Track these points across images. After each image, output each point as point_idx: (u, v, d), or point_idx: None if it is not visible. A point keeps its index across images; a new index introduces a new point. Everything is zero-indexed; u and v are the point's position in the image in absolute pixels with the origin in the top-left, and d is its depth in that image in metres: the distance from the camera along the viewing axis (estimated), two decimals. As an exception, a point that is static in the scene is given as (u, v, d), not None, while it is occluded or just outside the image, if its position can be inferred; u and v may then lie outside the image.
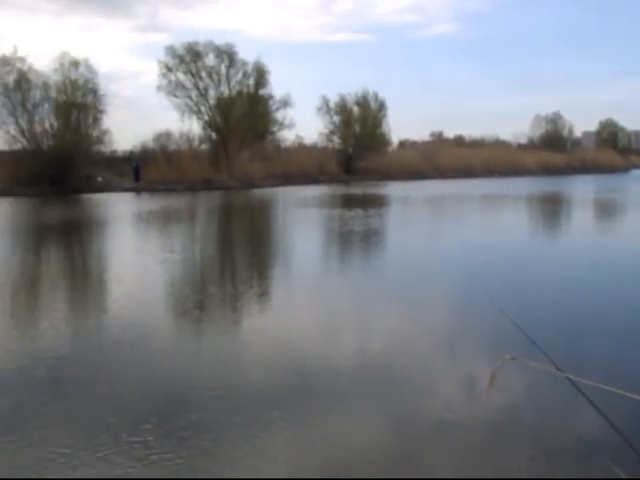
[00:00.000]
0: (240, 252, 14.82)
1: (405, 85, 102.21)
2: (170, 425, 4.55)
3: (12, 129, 37.96)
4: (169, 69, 44.62)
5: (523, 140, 73.27)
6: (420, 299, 8.81)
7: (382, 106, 60.16)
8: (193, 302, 9.00)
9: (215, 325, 7.75)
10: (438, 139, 72.22)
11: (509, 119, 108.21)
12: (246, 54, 67.62)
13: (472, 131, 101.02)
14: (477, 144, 69.03)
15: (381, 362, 5.99)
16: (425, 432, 4.53)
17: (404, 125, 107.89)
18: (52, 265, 13.17)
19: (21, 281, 11.16)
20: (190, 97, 45.32)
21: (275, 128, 50.61)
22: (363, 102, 59.33)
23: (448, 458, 4.12)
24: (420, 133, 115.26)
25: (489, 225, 19.67)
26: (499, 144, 69.94)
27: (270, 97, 48.74)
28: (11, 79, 38.13)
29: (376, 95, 59.71)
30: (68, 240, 16.98)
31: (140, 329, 7.36)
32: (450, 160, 57.97)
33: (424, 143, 68.53)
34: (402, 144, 69.57)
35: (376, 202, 29.21)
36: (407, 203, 29.25)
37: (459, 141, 72.17)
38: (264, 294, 9.53)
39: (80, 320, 8.06)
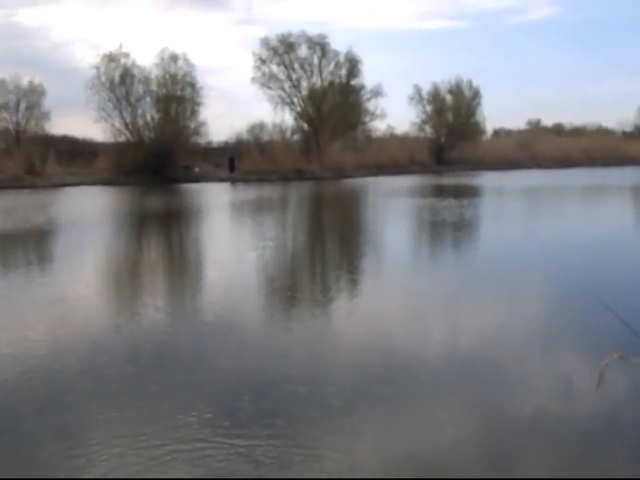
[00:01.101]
0: (331, 240, 14.93)
1: (501, 72, 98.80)
2: (257, 407, 4.67)
3: (117, 122, 40.02)
4: (263, 61, 45.49)
5: (629, 128, 69.21)
6: (519, 292, 8.53)
7: (476, 94, 58.67)
8: (286, 287, 9.19)
9: (307, 310, 7.86)
10: (535, 127, 69.48)
11: (613, 106, 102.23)
12: (338, 44, 67.85)
13: (572, 119, 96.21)
14: (577, 132, 65.87)
15: (477, 357, 5.85)
16: (524, 433, 4.39)
17: (499, 113, 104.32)
18: (153, 250, 13.79)
19: (125, 265, 11.78)
20: (283, 88, 46.03)
21: (367, 118, 50.51)
22: (457, 90, 58.07)
23: (552, 461, 3.99)
24: (516, 122, 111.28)
25: (591, 217, 18.76)
26: (601, 132, 66.39)
27: (362, 87, 48.68)
28: (116, 74, 40.14)
29: (470, 83, 58.30)
30: (168, 227, 17.72)
31: (235, 312, 7.58)
32: (548, 149, 55.72)
33: (520, 132, 66.15)
34: (497, 133, 67.56)
35: (469, 192, 28.55)
36: (502, 193, 28.38)
37: (558, 129, 69.11)
38: (355, 282, 9.56)
39: (179, 303, 8.40)
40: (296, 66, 46.06)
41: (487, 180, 38.07)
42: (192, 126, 41.60)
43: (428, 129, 57.28)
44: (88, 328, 6.84)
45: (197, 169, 40.57)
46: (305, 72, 46.32)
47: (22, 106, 42.00)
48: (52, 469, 3.80)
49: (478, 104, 58.57)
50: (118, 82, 40.09)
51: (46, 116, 42.70)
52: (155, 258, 12.66)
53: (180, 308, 8.05)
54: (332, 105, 46.11)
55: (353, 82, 48.04)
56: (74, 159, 39.09)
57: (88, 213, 20.72)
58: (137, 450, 4.00)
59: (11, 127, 41.74)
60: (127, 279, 10.45)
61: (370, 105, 49.33)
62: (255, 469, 3.68)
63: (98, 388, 5.04)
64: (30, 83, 42.08)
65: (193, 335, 6.60)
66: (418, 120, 56.96)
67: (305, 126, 47.15)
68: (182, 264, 11.88)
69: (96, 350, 6.02)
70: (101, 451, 3.99)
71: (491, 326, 6.92)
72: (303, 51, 46.01)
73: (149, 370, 5.49)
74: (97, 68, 39.45)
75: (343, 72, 47.35)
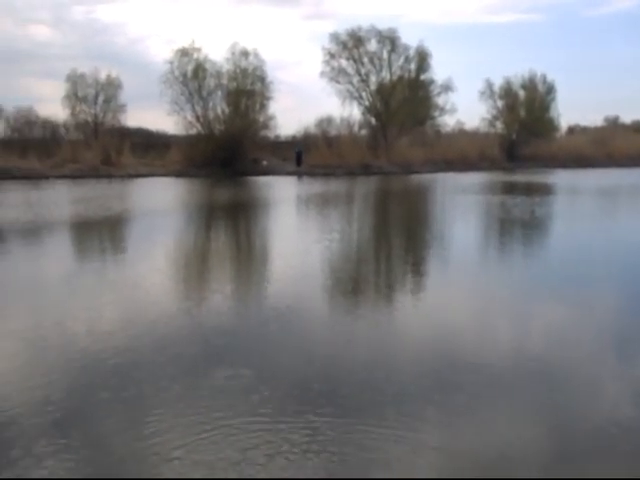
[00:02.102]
0: (398, 235, 14.80)
1: (577, 67, 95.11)
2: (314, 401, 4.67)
3: (189, 115, 40.99)
4: (332, 55, 45.56)
5: None
6: (594, 295, 8.21)
7: (550, 89, 56.94)
8: (351, 278, 9.19)
9: (371, 301, 7.82)
10: (613, 124, 66.71)
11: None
12: (408, 38, 67.12)
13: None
14: (659, 130, 62.83)
15: (549, 358, 5.67)
16: (596, 440, 4.22)
17: (574, 110, 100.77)
18: (222, 240, 14.04)
19: (195, 253, 12.05)
20: (351, 83, 45.96)
21: (436, 113, 49.90)
22: (530, 85, 56.51)
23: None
24: (592, 118, 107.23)
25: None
26: (685, 130, 63.08)
27: (431, 82, 48.10)
28: (189, 69, 41.09)
29: (544, 77, 56.62)
30: (236, 218, 18.01)
31: (301, 300, 7.61)
32: (626, 147, 53.38)
33: (597, 129, 63.65)
34: (571, 130, 65.34)
35: (542, 190, 27.71)
36: (577, 192, 27.39)
37: (637, 126, 66.13)
38: (422, 277, 9.44)
39: (247, 290, 8.53)
40: (365, 60, 45.93)
41: (561, 178, 36.86)
42: (261, 120, 42.16)
43: (499, 125, 56.06)
44: (160, 310, 7.03)
45: (265, 162, 41.09)
46: (374, 66, 46.12)
47: (100, 99, 43.61)
48: (131, 430, 3.91)
49: (552, 99, 56.87)
50: (190, 76, 41.04)
51: (122, 109, 44.21)
52: (224, 247, 12.89)
53: (248, 295, 8.17)
54: (401, 100, 45.74)
55: (423, 77, 47.56)
56: (148, 151, 40.35)
57: (160, 203, 21.32)
58: (205, 422, 4.06)
59: (90, 119, 43.38)
60: (197, 266, 10.69)
61: (440, 100, 48.77)
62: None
63: (170, 365, 5.16)
64: (108, 77, 43.66)
65: (260, 320, 6.67)
66: (489, 115, 55.87)
67: (373, 121, 46.97)
68: (249, 254, 12.06)
69: (167, 331, 6.17)
70: (178, 420, 4.08)
71: (563, 330, 6.67)
72: (372, 45, 45.86)
73: (218, 351, 5.57)
74: (171, 63, 40.56)
75: (412, 66, 46.94)
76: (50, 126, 41.34)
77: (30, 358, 5.46)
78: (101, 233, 14.80)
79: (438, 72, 56.69)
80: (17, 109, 40.37)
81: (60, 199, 22.91)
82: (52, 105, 68.30)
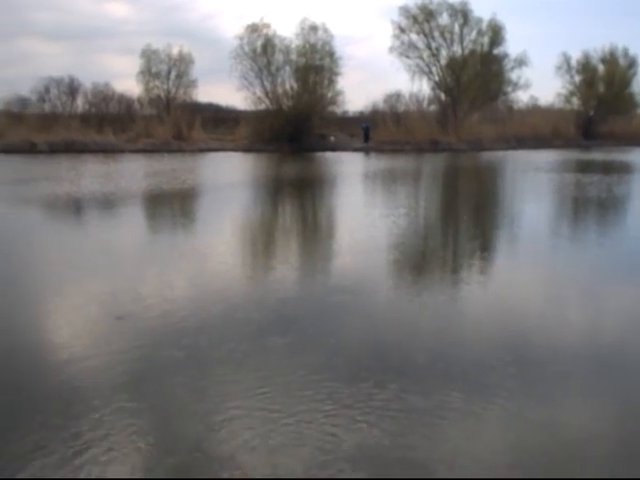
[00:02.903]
0: (466, 213, 14.56)
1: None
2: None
3: (258, 90, 41.30)
4: (402, 30, 44.73)
5: None
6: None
7: (633, 63, 54.12)
8: (416, 254, 9.15)
9: (436, 279, 7.77)
10: (700, 101, 62.88)
11: None
12: (481, 11, 65.09)
13: None
14: None
15: (623, 347, 5.50)
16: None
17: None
18: (288, 214, 14.21)
19: (262, 226, 12.25)
20: (421, 57, 45.06)
21: (509, 89, 48.29)
22: (610, 59, 53.89)
23: None
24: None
25: None
26: None
27: (505, 56, 46.54)
28: (258, 44, 41.28)
29: (626, 51, 53.85)
30: (303, 193, 18.14)
31: (365, 275, 7.64)
32: None
33: (682, 105, 60.17)
34: (655, 106, 61.96)
35: (620, 169, 26.56)
36: (657, 171, 26.12)
37: None
38: (489, 255, 9.28)
39: (311, 263, 8.63)
40: (436, 34, 44.88)
41: (640, 157, 35.20)
42: (329, 95, 41.97)
43: (575, 101, 53.85)
44: (229, 279, 7.22)
45: (332, 138, 41.04)
46: (445, 41, 45.03)
47: (172, 75, 44.41)
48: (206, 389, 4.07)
49: (634, 74, 54.08)
50: (260, 52, 41.22)
51: (193, 84, 44.89)
52: (291, 221, 13.06)
53: (314, 267, 8.27)
54: (472, 75, 44.56)
55: (496, 51, 46.05)
56: (217, 126, 41.03)
57: (230, 177, 21.70)
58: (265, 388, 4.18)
59: (162, 95, 44.34)
60: (264, 238, 10.89)
61: (513, 75, 47.10)
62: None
63: (237, 330, 5.30)
64: (180, 53, 44.37)
65: (326, 292, 6.74)
66: (564, 91, 53.70)
67: (442, 96, 46.02)
68: (316, 227, 12.16)
69: (235, 299, 6.33)
70: (245, 384, 4.22)
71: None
72: (444, 19, 44.71)
73: (280, 322, 5.67)
74: (240, 38, 40.83)
75: (485, 40, 45.52)
76: (125, 101, 42.55)
77: (106, 321, 5.72)
78: (174, 205, 15.23)
79: (512, 46, 55.03)
80: (95, 85, 41.74)
81: (135, 172, 23.67)
82: (128, 81, 70.18)
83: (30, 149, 32.19)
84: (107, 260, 8.40)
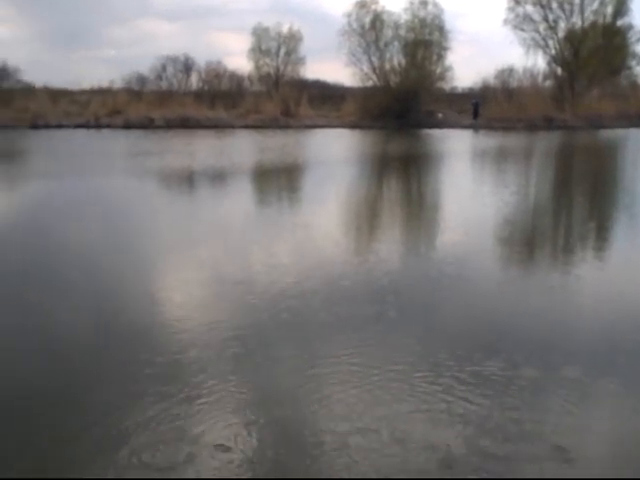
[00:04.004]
0: (581, 194, 13.84)
1: None
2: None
3: (365, 67, 41.13)
4: (517, 2, 42.76)
5: None
6: None
7: None
8: (527, 237, 8.85)
9: (547, 259, 7.50)
10: None
11: None
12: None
13: None
14: None
15: None
16: None
17: None
18: (393, 191, 14.14)
19: (365, 201, 12.28)
20: (537, 30, 42.92)
21: (633, 62, 45.11)
22: None
23: None
24: None
25: None
26: None
27: (629, 27, 43.40)
28: (367, 20, 41.00)
29: None
30: (408, 170, 17.98)
31: (472, 256, 7.49)
32: None
33: None
34: None
35: None
36: None
37: None
38: (604, 239, 8.82)
39: (416, 241, 8.58)
40: (554, 6, 42.54)
41: None
42: (438, 71, 41.15)
43: None
44: (329, 254, 7.31)
45: (440, 115, 40.19)
46: (564, 12, 42.61)
47: (282, 52, 45.10)
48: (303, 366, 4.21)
49: None
50: (368, 28, 40.96)
51: (302, 61, 45.38)
52: (396, 197, 13.00)
53: (417, 243, 8.23)
54: (592, 48, 41.95)
55: (619, 22, 43.05)
56: (324, 102, 41.30)
57: (336, 153, 21.85)
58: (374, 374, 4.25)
59: (272, 72, 45.16)
60: (368, 213, 10.93)
61: (638, 48, 43.93)
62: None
63: (339, 303, 5.40)
64: (289, 30, 44.91)
65: (428, 274, 6.68)
66: (697, 64, 49.32)
67: (559, 71, 43.71)
68: (421, 204, 12.05)
69: (335, 275, 6.42)
70: (350, 363, 4.31)
71: None
72: (563, -12, 42.24)
73: (384, 299, 5.69)
74: (349, 15, 40.72)
75: (608, 11, 42.62)
76: (236, 78, 43.75)
77: (211, 293, 5.99)
78: (283, 179, 15.59)
79: (638, 16, 50.98)
80: (208, 63, 43.18)
81: (246, 147, 24.38)
82: (239, 58, 72.07)
83: (148, 124, 33.91)
84: (219, 229, 8.77)
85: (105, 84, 40.27)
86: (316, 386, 3.86)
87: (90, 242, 7.89)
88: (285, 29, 44.91)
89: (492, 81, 44.03)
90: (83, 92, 39.70)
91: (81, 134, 29.68)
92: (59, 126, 32.63)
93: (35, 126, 32.36)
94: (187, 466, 3.04)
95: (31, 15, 65.07)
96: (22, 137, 27.86)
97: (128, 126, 33.16)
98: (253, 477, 3.00)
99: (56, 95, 37.20)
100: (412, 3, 40.25)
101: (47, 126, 32.49)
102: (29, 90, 37.45)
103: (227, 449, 3.18)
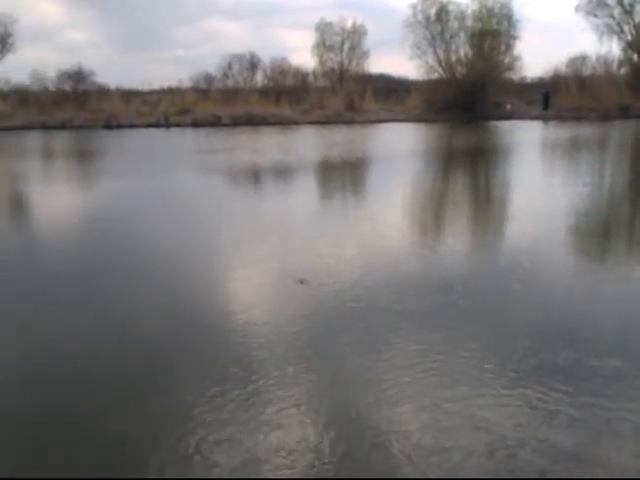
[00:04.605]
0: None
1: None
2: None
3: (430, 59, 40.57)
4: (593, -15, 41.12)
5: None
6: None
7: None
8: (601, 228, 8.54)
9: (622, 254, 7.21)
10: None
11: None
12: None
13: None
14: None
15: None
16: None
17: None
18: (459, 184, 13.90)
19: (431, 196, 12.13)
20: (612, 16, 41.10)
21: None
22: None
23: None
24: None
25: None
26: None
27: None
28: (432, 12, 40.40)
29: None
30: (475, 163, 17.64)
31: (540, 250, 7.29)
32: None
33: None
34: None
35: None
36: None
37: None
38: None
39: (483, 236, 8.42)
40: (630, -11, 40.68)
41: None
42: (506, 61, 40.16)
43: None
44: (394, 250, 7.27)
45: (509, 106, 39.19)
46: (641, -5, 40.66)
47: (346, 47, 45.03)
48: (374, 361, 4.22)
49: None
50: (433, 19, 40.36)
51: (365, 55, 45.18)
52: (463, 189, 12.79)
53: (486, 236, 8.08)
54: (672, 32, 39.93)
55: (703, 2, 40.71)
56: (389, 96, 41.00)
57: (401, 147, 21.68)
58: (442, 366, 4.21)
59: (336, 67, 45.18)
60: (435, 206, 10.81)
61: None
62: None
63: (406, 300, 5.38)
64: (353, 24, 44.78)
65: (500, 264, 6.56)
66: None
67: (635, 57, 41.80)
68: (489, 196, 11.81)
69: (399, 271, 6.39)
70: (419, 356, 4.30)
71: None
72: (639, -30, 40.32)
73: (452, 289, 5.62)
74: (414, 7, 40.24)
75: (690, -9, 40.40)
76: (300, 74, 44.02)
77: (286, 281, 6.06)
78: (350, 173, 15.62)
79: None
80: (272, 60, 43.65)
81: (311, 142, 24.54)
82: (303, 54, 72.57)
83: (215, 122, 34.61)
84: (288, 222, 8.89)
85: (174, 84, 41.47)
86: (387, 370, 3.88)
87: (162, 239, 8.15)
88: (349, 24, 44.87)
89: (563, 70, 42.62)
90: (153, 92, 40.95)
91: (151, 133, 30.62)
92: (131, 126, 33.77)
93: (108, 126, 33.61)
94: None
95: (104, 20, 67.54)
96: (96, 137, 28.98)
97: (196, 124, 33.97)
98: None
99: (128, 96, 38.53)
100: (480, -7, 39.41)
101: (119, 126, 33.69)
102: (103, 92, 38.93)
103: (305, 428, 3.24)
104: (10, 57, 41.19)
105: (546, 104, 38.15)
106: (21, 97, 36.60)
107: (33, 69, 41.16)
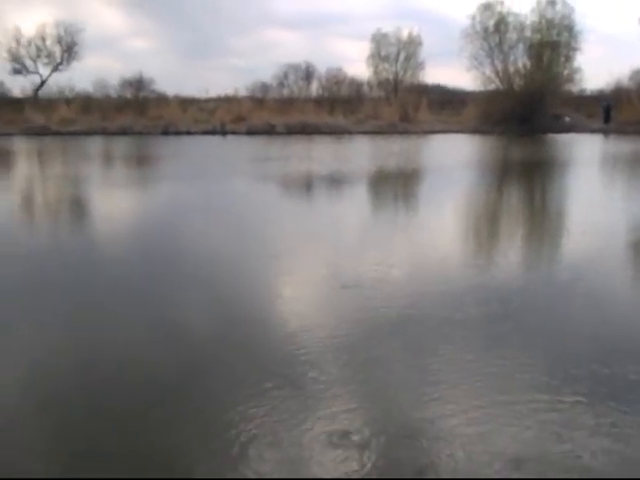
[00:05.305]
0: None
1: None
2: None
3: (487, 70, 40.09)
4: (658, -3, 39.95)
5: None
6: None
7: None
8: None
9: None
10: None
11: None
12: None
13: None
14: None
15: None
16: None
17: None
18: (514, 199, 13.60)
19: (484, 210, 11.93)
20: (680, 27, 39.85)
21: None
22: None
23: None
24: None
25: None
26: None
27: None
28: (491, 23, 39.95)
29: None
30: (531, 178, 17.27)
31: (599, 265, 7.04)
32: None
33: None
34: None
35: None
36: None
37: None
38: None
39: (540, 254, 8.22)
40: (700, -1, 39.32)
41: None
42: (565, 73, 39.31)
43: None
44: (449, 260, 7.15)
45: (567, 119, 38.33)
46: None
47: (401, 57, 44.96)
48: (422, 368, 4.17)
49: None
50: (492, 30, 39.89)
51: (421, 66, 45.00)
52: (517, 205, 12.52)
53: (542, 255, 7.87)
54: None
55: None
56: (443, 107, 40.69)
57: (457, 159, 21.44)
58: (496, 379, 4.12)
59: (391, 77, 45.14)
60: (487, 219, 10.61)
61: None
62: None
63: (458, 321, 5.29)
64: (409, 35, 44.69)
65: (557, 284, 6.35)
66: None
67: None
68: (545, 213, 11.50)
69: (459, 283, 6.28)
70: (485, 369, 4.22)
71: None
72: None
73: (506, 315, 5.48)
74: (472, 17, 39.87)
75: None
76: (355, 84, 44.15)
77: (331, 292, 6.06)
78: (403, 184, 15.54)
79: None
80: (328, 70, 43.93)
81: (365, 153, 24.53)
82: (358, 65, 72.79)
83: (270, 131, 35.02)
84: (342, 230, 8.90)
85: (230, 92, 42.16)
86: (439, 376, 3.83)
87: (216, 244, 8.27)
88: (405, 34, 44.78)
89: (626, 82, 41.44)
90: (210, 100, 41.75)
91: (207, 140, 31.21)
92: (188, 133, 34.51)
93: (166, 133, 34.44)
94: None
95: (164, 29, 69.36)
96: (154, 143, 29.73)
97: (251, 132, 34.44)
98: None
99: (185, 103, 39.43)
100: (539, 3, 38.79)
101: (177, 133, 34.47)
102: (162, 99, 39.94)
103: (349, 432, 3.23)
104: (75, 65, 42.90)
105: (607, 117, 37.15)
106: (84, 103, 37.87)
107: (97, 77, 42.67)
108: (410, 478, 2.96)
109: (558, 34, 39.05)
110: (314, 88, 44.14)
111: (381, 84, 45.06)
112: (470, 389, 3.82)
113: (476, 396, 3.73)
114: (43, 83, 42.19)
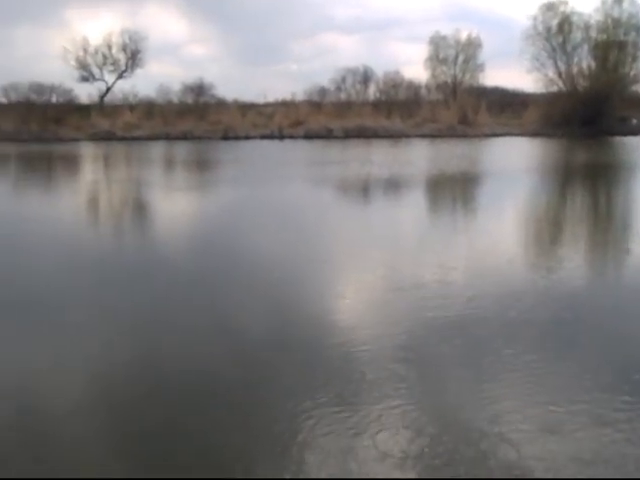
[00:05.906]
0: None
1: None
2: None
3: (550, 72, 39.22)
4: None
5: None
6: None
7: None
8: None
9: None
10: None
11: None
12: None
13: None
14: None
15: None
16: None
17: None
18: (577, 204, 13.21)
19: (545, 216, 11.64)
20: None
21: None
22: None
23: None
24: None
25: None
26: None
27: None
28: (554, 23, 39.08)
29: None
30: (595, 182, 16.77)
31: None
32: None
33: None
34: None
35: None
36: None
37: None
38: None
39: (598, 256, 7.98)
40: None
41: None
42: (632, 74, 38.10)
43: None
44: (511, 266, 6.99)
45: (635, 121, 37.06)
46: None
47: (460, 60, 44.50)
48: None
49: None
50: (555, 31, 39.06)
51: (480, 68, 44.42)
52: (581, 210, 12.17)
53: (605, 262, 7.61)
54: None
55: None
56: (503, 110, 39.99)
57: (517, 163, 21.03)
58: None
59: (449, 80, 44.72)
60: (546, 225, 10.33)
61: None
62: None
63: (518, 323, 5.19)
64: (468, 37, 44.19)
65: (620, 291, 6.13)
66: None
67: None
68: (609, 218, 11.13)
69: (515, 290, 6.13)
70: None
71: None
72: None
73: (574, 318, 5.35)
74: (534, 18, 39.08)
75: None
76: (413, 88, 43.92)
77: (389, 295, 6.04)
78: (462, 188, 15.35)
79: None
80: (385, 73, 43.85)
81: (424, 156, 24.35)
82: (416, 67, 72.36)
83: (327, 134, 35.20)
84: (401, 234, 8.87)
85: (288, 97, 42.58)
86: (497, 379, 3.78)
87: (274, 246, 8.37)
88: (463, 36, 44.29)
89: (697, 83, 39.76)
90: (268, 105, 42.28)
91: (266, 144, 31.60)
92: (247, 137, 35.03)
93: (226, 137, 35.05)
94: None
95: (224, 35, 70.68)
96: (215, 147, 30.29)
97: (308, 136, 34.69)
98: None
99: (244, 108, 40.04)
100: (605, 2, 37.73)
101: (236, 137, 35.04)
102: (221, 104, 40.68)
103: (409, 433, 3.23)
104: (138, 71, 44.21)
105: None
106: (147, 109, 38.96)
107: (159, 83, 43.83)
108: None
109: (625, 33, 37.91)
110: (371, 92, 44.18)
111: (439, 87, 44.68)
112: (541, 391, 3.77)
113: (547, 400, 3.67)
114: (108, 90, 43.71)
